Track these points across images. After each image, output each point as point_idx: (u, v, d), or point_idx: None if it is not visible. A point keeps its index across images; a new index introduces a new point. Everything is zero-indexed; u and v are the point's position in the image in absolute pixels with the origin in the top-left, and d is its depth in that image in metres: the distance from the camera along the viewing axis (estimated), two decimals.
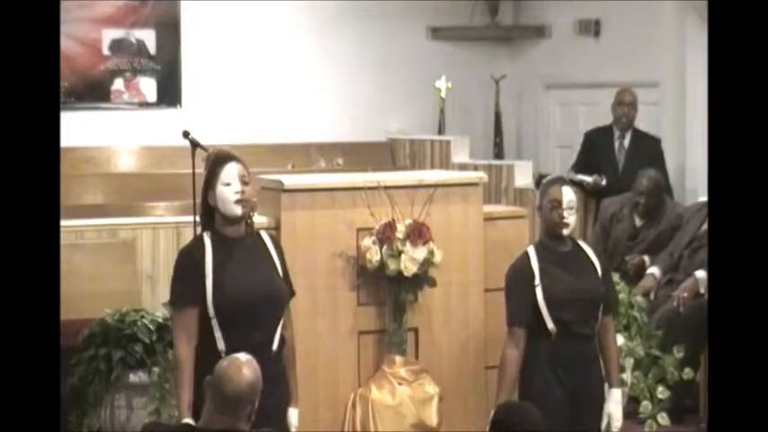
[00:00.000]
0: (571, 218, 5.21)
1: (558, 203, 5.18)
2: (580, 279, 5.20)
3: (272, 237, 4.90)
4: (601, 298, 5.24)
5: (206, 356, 4.45)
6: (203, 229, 4.73)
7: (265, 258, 4.73)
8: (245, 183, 4.63)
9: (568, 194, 5.20)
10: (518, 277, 5.23)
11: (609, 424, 5.19)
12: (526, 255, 5.27)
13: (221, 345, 4.53)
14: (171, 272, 4.79)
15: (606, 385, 5.25)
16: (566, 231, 5.22)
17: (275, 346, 4.66)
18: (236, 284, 4.59)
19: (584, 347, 5.20)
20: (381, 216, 5.73)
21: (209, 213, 4.70)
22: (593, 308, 5.21)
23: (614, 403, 5.22)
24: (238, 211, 4.62)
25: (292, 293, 4.87)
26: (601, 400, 5.25)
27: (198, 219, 4.86)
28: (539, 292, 5.14)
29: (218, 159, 4.68)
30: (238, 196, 4.61)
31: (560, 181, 5.33)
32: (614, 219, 7.82)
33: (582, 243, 5.40)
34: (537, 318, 5.16)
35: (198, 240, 4.71)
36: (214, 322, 4.57)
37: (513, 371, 5.16)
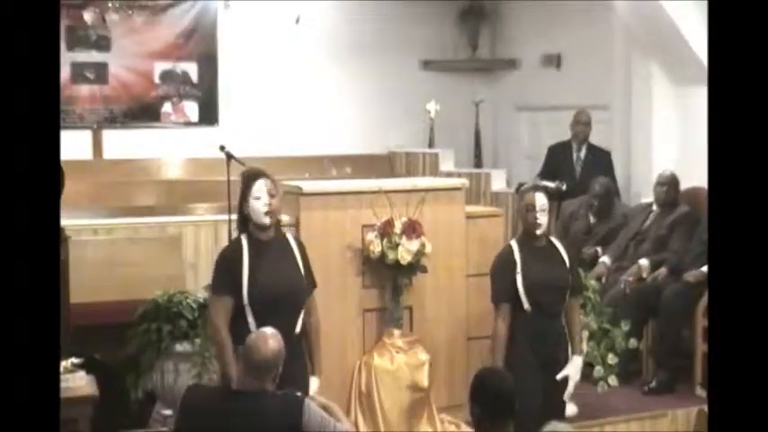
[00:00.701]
0: (543, 218, 5.24)
1: (532, 207, 5.22)
2: (552, 270, 5.23)
3: (296, 239, 4.88)
4: (568, 285, 5.27)
5: (239, 336, 4.42)
6: (240, 233, 4.72)
7: (290, 258, 4.72)
8: (272, 196, 4.62)
9: (541, 200, 5.23)
10: (504, 265, 5.27)
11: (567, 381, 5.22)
12: (510, 247, 5.30)
13: (253, 327, 4.51)
14: (210, 261, 4.80)
15: (570, 352, 5.27)
16: (539, 231, 5.25)
17: (298, 329, 4.65)
18: (266, 279, 4.58)
19: (554, 323, 5.23)
20: (382, 215, 5.73)
21: (245, 220, 4.70)
22: (561, 293, 5.24)
23: (574, 367, 5.24)
24: (267, 220, 4.63)
25: (314, 285, 4.84)
26: (565, 365, 5.28)
27: (236, 224, 4.82)
28: (519, 278, 5.16)
29: (249, 176, 4.69)
30: (267, 208, 4.61)
31: (534, 189, 5.36)
32: (572, 217, 7.80)
33: (554, 240, 5.41)
34: (516, 299, 5.18)
35: (237, 242, 4.70)
36: (247, 309, 4.56)
37: (504, 340, 5.18)
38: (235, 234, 4.82)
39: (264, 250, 4.64)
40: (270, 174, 4.74)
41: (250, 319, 4.56)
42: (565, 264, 5.28)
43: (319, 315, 4.86)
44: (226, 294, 4.60)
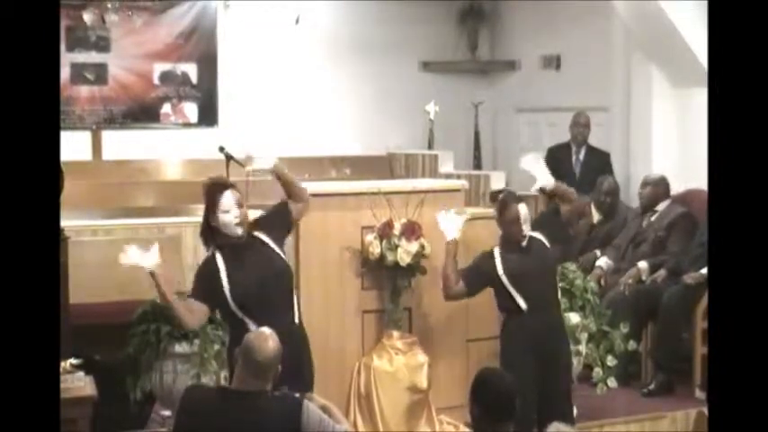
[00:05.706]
0: (527, 228, 5.31)
1: (517, 220, 5.27)
2: (534, 256, 5.28)
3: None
4: (554, 267, 5.35)
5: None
6: (206, 244, 4.64)
7: (264, 250, 4.64)
8: (240, 206, 4.55)
9: (524, 210, 5.31)
10: (482, 259, 5.38)
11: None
12: (491, 251, 5.35)
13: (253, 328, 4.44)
14: None
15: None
16: (525, 243, 5.31)
17: (296, 319, 4.64)
18: (248, 281, 4.52)
19: (549, 317, 5.29)
20: (381, 216, 5.74)
21: (211, 232, 4.60)
22: (548, 277, 5.29)
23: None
24: (240, 231, 4.56)
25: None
26: (568, 363, 5.32)
27: (201, 236, 4.70)
28: (499, 267, 5.19)
29: (215, 189, 4.58)
30: (238, 220, 4.54)
31: (516, 199, 5.39)
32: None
33: (533, 233, 5.46)
34: (510, 301, 5.22)
35: (211, 258, 4.61)
36: (238, 313, 4.52)
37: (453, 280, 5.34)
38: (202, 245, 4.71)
39: (240, 253, 4.56)
40: (232, 183, 4.67)
41: (249, 323, 4.49)
42: (546, 247, 5.32)
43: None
44: (199, 301, 4.55)
